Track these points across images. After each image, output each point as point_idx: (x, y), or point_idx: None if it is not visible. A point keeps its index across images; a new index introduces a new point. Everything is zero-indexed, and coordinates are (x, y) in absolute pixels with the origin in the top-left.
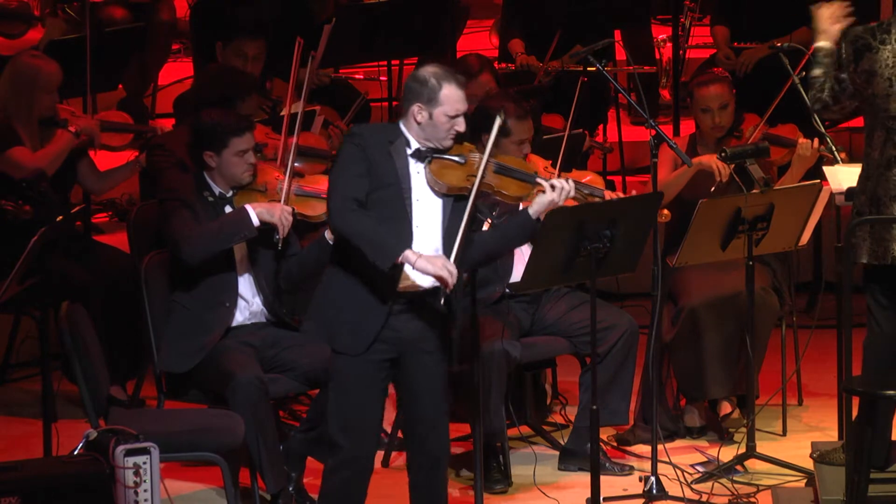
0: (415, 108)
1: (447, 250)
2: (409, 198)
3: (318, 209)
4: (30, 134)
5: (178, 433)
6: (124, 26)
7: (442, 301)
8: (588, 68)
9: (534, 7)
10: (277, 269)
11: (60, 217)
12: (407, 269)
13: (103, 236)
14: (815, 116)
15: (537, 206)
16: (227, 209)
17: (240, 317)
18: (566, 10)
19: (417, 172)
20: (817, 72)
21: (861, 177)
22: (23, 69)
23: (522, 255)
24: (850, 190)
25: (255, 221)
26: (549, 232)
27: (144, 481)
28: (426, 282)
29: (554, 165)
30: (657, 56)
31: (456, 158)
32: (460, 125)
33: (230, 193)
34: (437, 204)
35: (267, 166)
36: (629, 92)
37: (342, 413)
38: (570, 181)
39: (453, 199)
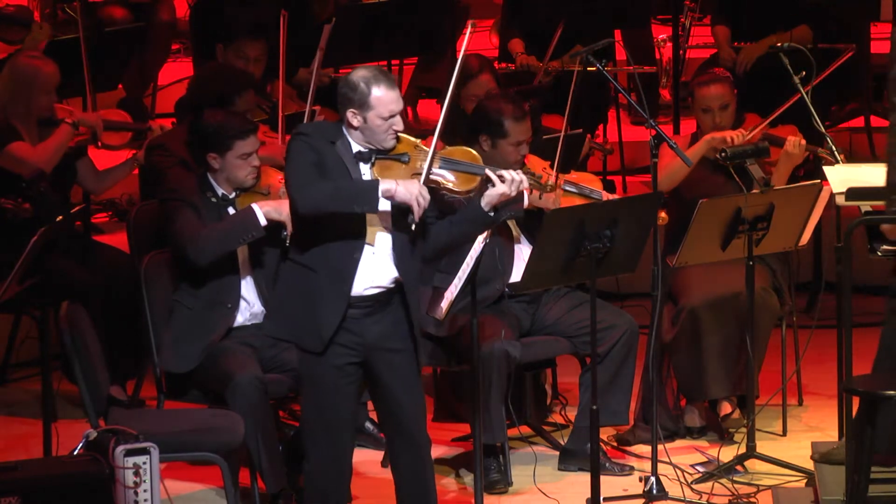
0: (349, 113)
1: (398, 247)
2: None
3: None
4: (29, 134)
5: (178, 433)
6: (124, 26)
7: (409, 221)
8: (588, 68)
9: (534, 7)
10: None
11: (60, 217)
12: (364, 260)
13: (103, 236)
14: (815, 117)
15: (488, 197)
16: (231, 211)
17: (240, 317)
18: (566, 11)
19: (364, 174)
20: None
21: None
22: (21, 70)
23: (522, 255)
24: (850, 190)
25: (263, 221)
26: (549, 232)
27: (144, 481)
28: (386, 280)
29: (552, 167)
30: (657, 56)
31: (399, 157)
32: (398, 124)
33: (233, 195)
34: (386, 203)
35: (270, 169)
36: (629, 92)
37: (315, 412)
38: (521, 173)
39: None
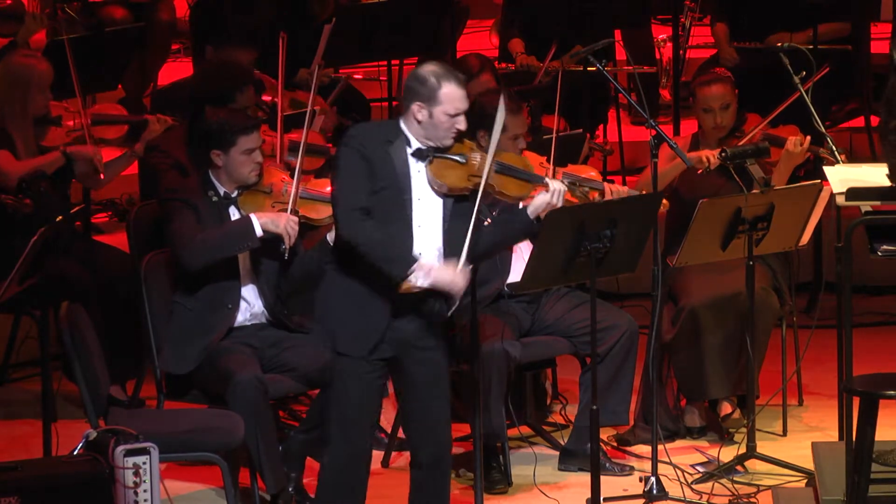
0: (415, 106)
1: (450, 252)
2: (410, 197)
3: (322, 212)
4: (24, 133)
5: (178, 433)
6: (124, 26)
7: (449, 311)
8: (588, 68)
9: (534, 7)
10: (282, 273)
11: (60, 217)
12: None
13: (103, 236)
14: (816, 116)
15: (535, 206)
16: (232, 209)
17: (240, 317)
18: (566, 10)
19: (418, 171)
20: None
21: None
22: (17, 69)
23: (522, 254)
24: (850, 190)
25: (259, 232)
26: (549, 232)
27: (144, 481)
28: (426, 283)
29: (549, 161)
30: (657, 56)
31: (457, 158)
32: (461, 124)
33: (235, 193)
34: (437, 204)
35: (273, 168)
36: (629, 92)
37: (342, 412)
38: (562, 182)
39: (454, 200)
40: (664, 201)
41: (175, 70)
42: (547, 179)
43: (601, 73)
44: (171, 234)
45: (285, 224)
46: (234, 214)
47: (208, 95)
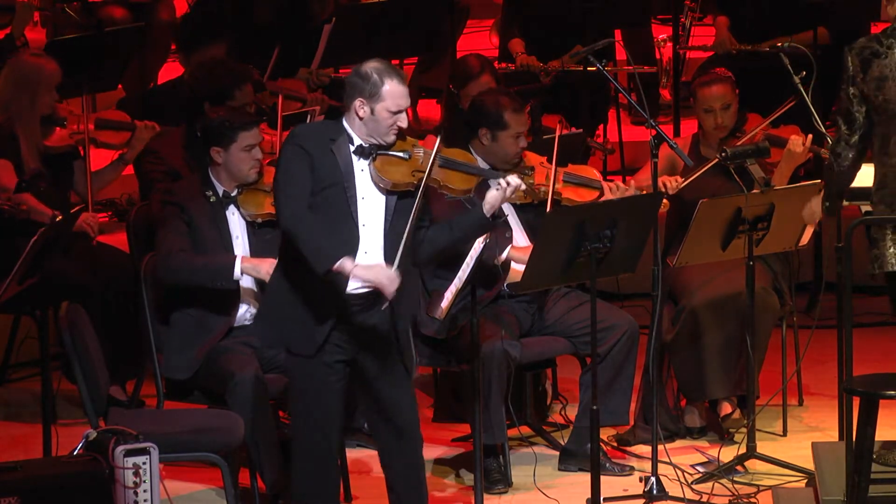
0: (357, 103)
1: (390, 250)
2: (354, 196)
3: None
4: (30, 134)
5: (178, 433)
6: (124, 26)
7: (384, 307)
8: (588, 68)
9: (534, 7)
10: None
11: (60, 217)
12: (357, 261)
13: (103, 236)
14: (816, 117)
15: (490, 202)
16: (231, 208)
17: (240, 317)
18: (566, 10)
19: (362, 170)
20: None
21: (877, 185)
22: (25, 69)
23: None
24: (850, 190)
25: (237, 275)
26: (549, 232)
27: (144, 482)
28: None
29: (549, 161)
30: (657, 56)
31: (400, 154)
32: (402, 121)
33: (235, 192)
34: (381, 201)
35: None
36: (629, 92)
37: (304, 412)
38: (517, 177)
39: (397, 197)
40: (665, 201)
41: (175, 70)
42: (496, 174)
43: (601, 73)
44: (157, 241)
45: (267, 270)
46: (233, 213)
47: (207, 93)
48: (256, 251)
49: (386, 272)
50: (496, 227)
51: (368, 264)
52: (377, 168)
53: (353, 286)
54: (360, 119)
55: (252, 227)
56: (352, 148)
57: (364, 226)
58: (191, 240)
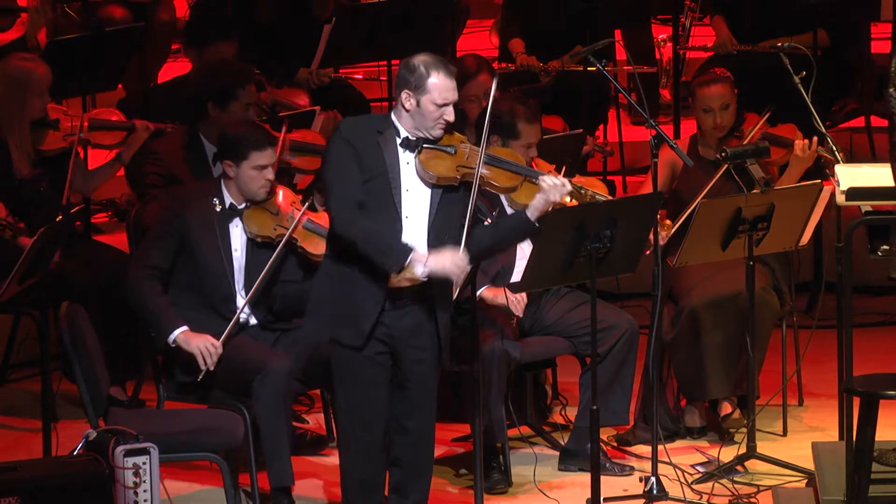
0: (403, 95)
1: (435, 243)
2: (399, 188)
3: (320, 248)
4: (20, 138)
5: (178, 433)
6: (124, 26)
7: (454, 296)
8: (588, 68)
9: (534, 7)
10: (272, 282)
11: (60, 217)
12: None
13: (103, 236)
14: (815, 116)
15: (534, 206)
16: (236, 221)
17: (243, 317)
18: (566, 10)
19: (407, 163)
20: None
21: None
22: (14, 73)
23: (524, 253)
24: (850, 190)
25: (170, 340)
26: (549, 232)
27: (144, 481)
28: (420, 273)
29: (559, 170)
30: (657, 56)
31: (446, 149)
32: (449, 115)
33: (242, 206)
34: (426, 194)
35: (288, 192)
36: (629, 92)
37: (350, 406)
38: (562, 178)
39: (442, 191)
40: (668, 222)
41: (175, 70)
42: (541, 174)
43: (601, 73)
44: (140, 246)
45: (197, 344)
46: (236, 226)
47: (211, 92)
48: (251, 267)
49: (457, 259)
50: (540, 232)
51: (439, 253)
52: (422, 161)
53: (397, 280)
54: (407, 111)
55: (253, 243)
56: (398, 140)
57: (407, 217)
58: (173, 256)
